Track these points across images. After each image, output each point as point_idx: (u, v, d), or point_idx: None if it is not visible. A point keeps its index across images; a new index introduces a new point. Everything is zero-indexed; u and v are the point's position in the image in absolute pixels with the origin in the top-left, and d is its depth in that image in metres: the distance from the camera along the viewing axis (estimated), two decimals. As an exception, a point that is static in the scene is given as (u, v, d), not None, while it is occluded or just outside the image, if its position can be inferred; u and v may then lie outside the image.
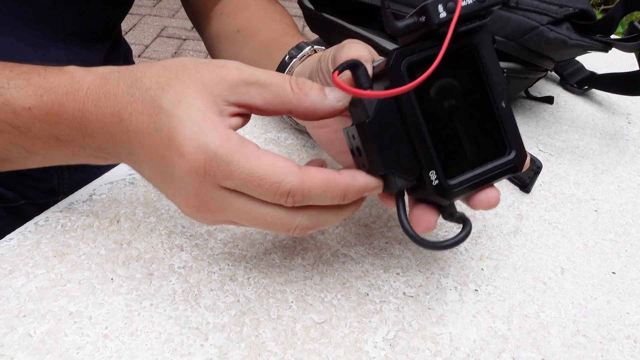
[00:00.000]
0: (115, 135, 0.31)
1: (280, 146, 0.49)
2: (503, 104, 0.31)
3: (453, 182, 0.30)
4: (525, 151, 0.32)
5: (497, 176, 0.32)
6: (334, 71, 0.29)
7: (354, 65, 0.30)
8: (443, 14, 0.27)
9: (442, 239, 0.31)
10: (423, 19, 0.28)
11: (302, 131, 0.51)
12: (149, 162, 0.30)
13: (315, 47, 0.45)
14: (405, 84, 0.27)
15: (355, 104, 0.31)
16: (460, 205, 0.44)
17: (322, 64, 0.35)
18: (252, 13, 0.54)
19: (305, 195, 0.28)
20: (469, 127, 0.31)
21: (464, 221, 0.31)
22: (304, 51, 0.44)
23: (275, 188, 0.28)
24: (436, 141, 0.30)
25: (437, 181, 0.30)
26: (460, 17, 0.28)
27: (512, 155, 0.31)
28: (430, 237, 0.42)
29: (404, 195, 0.32)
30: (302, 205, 0.29)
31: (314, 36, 0.67)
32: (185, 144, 0.28)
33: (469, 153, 0.31)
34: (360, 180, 0.30)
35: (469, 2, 0.28)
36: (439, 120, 0.30)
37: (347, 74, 0.31)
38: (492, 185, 0.32)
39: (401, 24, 0.29)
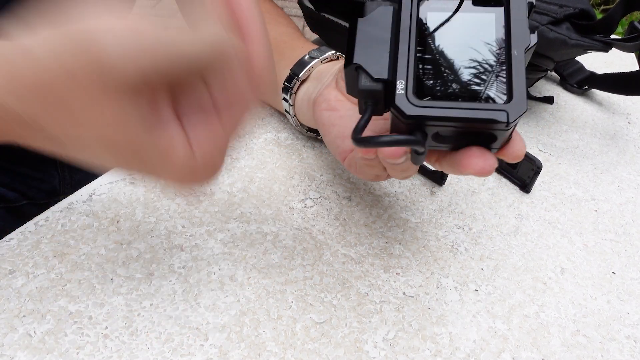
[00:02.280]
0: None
1: (281, 146, 0.49)
2: (515, 52, 0.28)
3: (421, 103, 0.27)
4: (524, 105, 0.27)
5: (475, 120, 0.26)
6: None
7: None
8: None
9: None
10: None
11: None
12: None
13: (338, 53, 0.46)
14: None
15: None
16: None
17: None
18: None
19: None
20: (469, 62, 0.28)
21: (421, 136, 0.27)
22: (327, 54, 0.45)
23: None
24: (422, 59, 0.28)
25: (402, 91, 0.27)
26: None
27: (505, 103, 0.27)
28: (430, 236, 0.42)
29: (374, 107, 0.29)
30: None
31: (314, 36, 0.67)
32: None
33: (456, 86, 0.27)
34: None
35: None
36: (436, 45, 0.28)
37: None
38: (485, 151, 0.28)
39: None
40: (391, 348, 0.34)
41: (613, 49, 0.53)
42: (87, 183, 0.42)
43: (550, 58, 0.54)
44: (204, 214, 0.40)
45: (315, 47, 0.47)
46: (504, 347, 0.35)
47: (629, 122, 0.65)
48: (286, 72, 0.46)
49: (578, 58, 0.71)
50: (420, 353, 0.34)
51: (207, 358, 0.31)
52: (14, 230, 0.37)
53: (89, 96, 0.23)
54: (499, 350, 0.35)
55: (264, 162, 0.47)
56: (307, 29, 0.66)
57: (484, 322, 0.36)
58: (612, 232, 0.46)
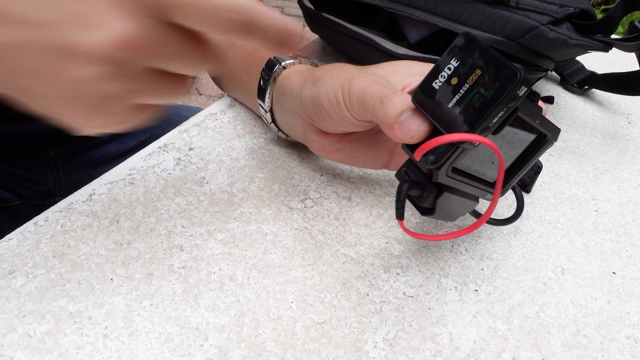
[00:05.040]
0: None
1: (281, 146, 0.49)
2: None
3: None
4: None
5: None
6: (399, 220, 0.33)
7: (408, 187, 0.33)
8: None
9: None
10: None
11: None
12: None
13: (286, 62, 0.42)
14: None
15: None
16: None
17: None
18: None
19: None
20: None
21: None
22: (273, 71, 0.42)
23: None
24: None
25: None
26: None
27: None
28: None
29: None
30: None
31: (314, 36, 0.67)
32: None
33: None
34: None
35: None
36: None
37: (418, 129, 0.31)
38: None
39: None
40: (391, 348, 0.34)
41: (613, 48, 0.53)
42: (82, 185, 0.42)
43: (551, 58, 0.54)
44: (204, 214, 0.40)
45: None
46: (504, 347, 0.35)
47: (629, 122, 0.65)
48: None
49: (578, 58, 0.71)
50: (420, 353, 0.34)
51: (207, 358, 0.31)
52: (9, 230, 0.37)
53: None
54: (499, 350, 0.35)
55: (264, 162, 0.47)
56: (307, 29, 0.66)
57: (484, 322, 0.36)
58: (612, 232, 0.46)
